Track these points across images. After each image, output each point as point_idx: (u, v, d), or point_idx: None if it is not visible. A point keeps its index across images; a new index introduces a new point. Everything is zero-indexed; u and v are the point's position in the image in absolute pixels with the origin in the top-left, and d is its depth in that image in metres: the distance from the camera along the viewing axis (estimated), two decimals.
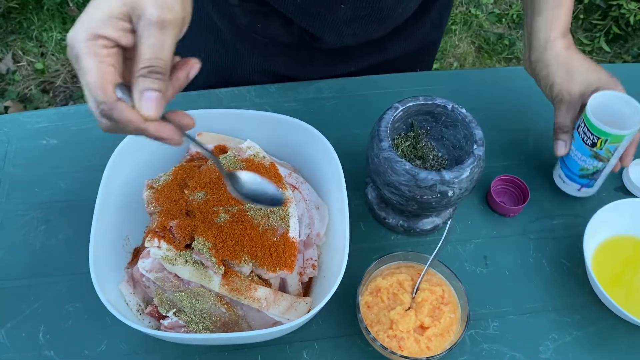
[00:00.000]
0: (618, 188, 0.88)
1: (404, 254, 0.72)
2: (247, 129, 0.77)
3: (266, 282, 0.64)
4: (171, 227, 0.62)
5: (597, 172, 0.80)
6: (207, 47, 0.95)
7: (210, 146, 0.73)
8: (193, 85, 1.00)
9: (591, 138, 0.76)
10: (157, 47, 0.42)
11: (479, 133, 0.72)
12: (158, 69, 0.42)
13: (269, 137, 0.77)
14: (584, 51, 2.33)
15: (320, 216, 0.72)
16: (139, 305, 0.65)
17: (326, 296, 0.61)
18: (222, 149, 0.73)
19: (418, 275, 0.71)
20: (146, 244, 0.62)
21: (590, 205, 0.85)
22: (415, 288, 0.70)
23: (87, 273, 0.62)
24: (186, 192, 0.66)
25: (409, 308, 0.68)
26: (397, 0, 0.84)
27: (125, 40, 0.44)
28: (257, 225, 0.64)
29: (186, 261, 0.60)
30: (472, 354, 0.72)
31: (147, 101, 0.42)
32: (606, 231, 0.79)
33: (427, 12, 0.96)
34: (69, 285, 0.74)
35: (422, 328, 0.67)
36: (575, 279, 0.79)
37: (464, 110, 0.74)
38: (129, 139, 0.72)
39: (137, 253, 0.71)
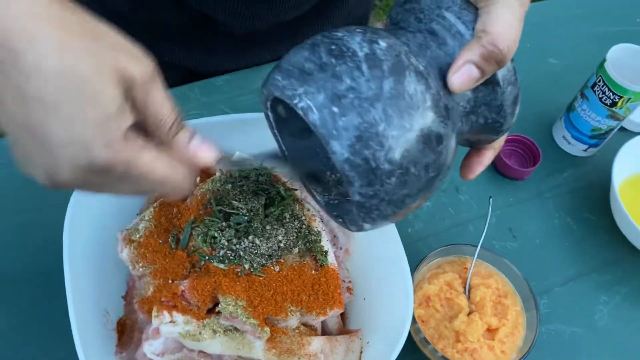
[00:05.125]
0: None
1: (443, 250, 0.62)
2: (223, 139, 0.61)
3: (310, 328, 0.51)
4: (183, 291, 0.46)
5: (610, 130, 0.75)
6: None
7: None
8: None
9: (611, 97, 0.69)
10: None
11: None
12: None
13: (253, 143, 0.62)
14: None
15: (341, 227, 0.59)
16: None
17: (401, 334, 0.49)
18: (207, 173, 0.57)
19: (464, 270, 0.62)
20: (154, 321, 0.45)
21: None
22: (467, 286, 0.60)
23: None
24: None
25: (470, 312, 0.59)
26: None
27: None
28: (288, 260, 0.50)
29: (214, 331, 0.45)
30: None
31: (203, 148, 0.38)
32: (628, 170, 0.74)
33: None
34: None
35: (490, 331, 0.58)
36: (603, 230, 0.74)
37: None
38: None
39: (122, 329, 0.54)
